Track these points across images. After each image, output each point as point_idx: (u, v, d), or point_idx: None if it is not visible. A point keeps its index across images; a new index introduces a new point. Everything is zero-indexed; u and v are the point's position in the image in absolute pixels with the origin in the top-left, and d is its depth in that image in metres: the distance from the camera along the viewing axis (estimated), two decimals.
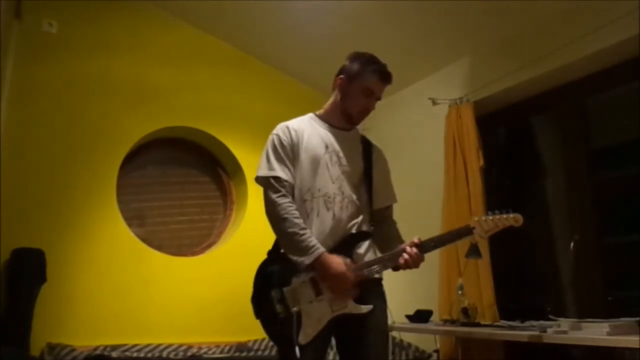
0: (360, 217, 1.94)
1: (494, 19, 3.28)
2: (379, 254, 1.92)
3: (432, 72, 3.96)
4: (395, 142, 4.20)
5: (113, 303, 3.50)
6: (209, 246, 4.18)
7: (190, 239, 4.18)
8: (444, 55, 3.75)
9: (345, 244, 1.86)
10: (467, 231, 1.88)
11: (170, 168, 4.23)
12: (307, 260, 1.74)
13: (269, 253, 1.93)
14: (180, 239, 4.13)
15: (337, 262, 1.76)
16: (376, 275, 1.89)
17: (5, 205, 3.15)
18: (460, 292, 3.06)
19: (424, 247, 1.81)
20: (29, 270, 3.25)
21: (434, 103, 3.58)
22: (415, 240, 1.81)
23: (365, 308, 1.81)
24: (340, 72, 2.00)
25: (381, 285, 1.94)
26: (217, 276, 3.89)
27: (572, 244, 2.75)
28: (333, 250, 1.82)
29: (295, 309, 1.75)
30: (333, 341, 1.90)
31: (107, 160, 3.72)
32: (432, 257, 3.42)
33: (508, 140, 3.88)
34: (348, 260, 1.80)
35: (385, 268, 1.86)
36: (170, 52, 4.09)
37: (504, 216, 1.89)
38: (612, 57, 2.94)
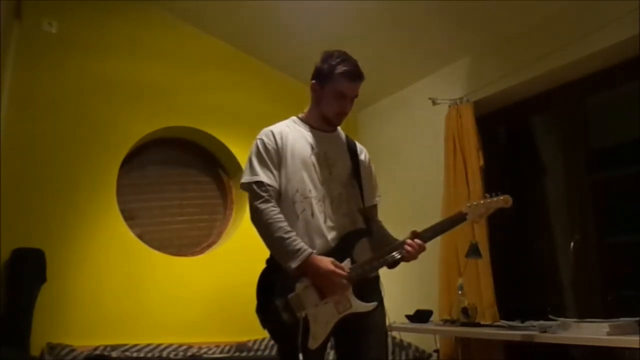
0: (354, 215, 1.94)
1: (494, 19, 3.28)
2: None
3: (432, 72, 3.96)
4: (396, 142, 4.21)
5: (113, 303, 3.50)
6: (209, 246, 4.18)
7: (190, 239, 4.18)
8: (444, 55, 3.75)
9: (343, 243, 1.86)
10: (460, 218, 1.93)
11: (170, 168, 4.23)
12: (293, 264, 1.73)
13: (268, 261, 1.91)
14: (180, 239, 4.13)
15: (325, 261, 1.75)
16: (373, 274, 1.89)
17: (5, 205, 3.15)
18: (460, 292, 3.06)
19: (422, 237, 1.86)
20: (29, 270, 3.25)
21: (434, 103, 3.58)
22: (416, 231, 1.86)
23: (371, 305, 1.81)
24: (312, 76, 2.00)
25: (379, 283, 1.94)
26: (217, 276, 3.89)
27: (572, 244, 2.75)
28: (333, 250, 1.82)
29: (301, 314, 1.73)
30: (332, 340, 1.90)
31: (107, 160, 3.72)
32: (432, 257, 3.44)
33: (508, 140, 3.88)
34: (339, 263, 1.79)
35: (383, 264, 1.86)
36: (170, 52, 4.09)
37: (494, 199, 1.96)
38: (612, 57, 2.94)
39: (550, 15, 3.08)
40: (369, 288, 1.85)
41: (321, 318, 1.75)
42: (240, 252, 3.97)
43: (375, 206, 2.07)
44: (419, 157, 3.97)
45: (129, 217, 3.85)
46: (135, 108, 3.88)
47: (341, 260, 1.80)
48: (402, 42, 3.74)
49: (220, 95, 4.22)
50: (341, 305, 1.78)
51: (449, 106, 3.61)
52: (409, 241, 1.83)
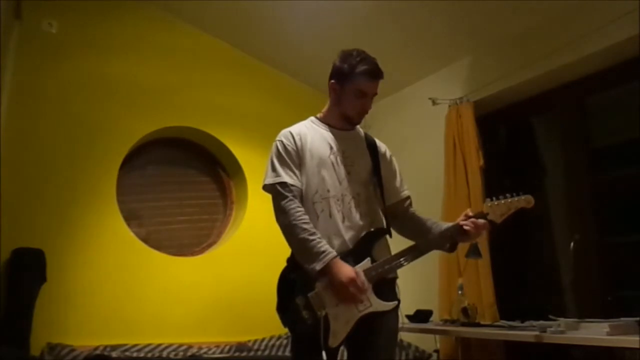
0: (374, 214, 1.94)
1: (494, 19, 3.28)
2: (393, 251, 1.94)
3: (432, 72, 3.96)
4: (396, 141, 4.19)
5: (113, 303, 3.50)
6: (209, 246, 4.18)
7: (190, 239, 4.17)
8: (444, 55, 3.75)
9: (363, 243, 1.86)
10: (481, 217, 1.92)
11: (170, 168, 4.23)
12: (317, 266, 1.73)
13: (288, 260, 1.91)
14: (180, 239, 4.12)
15: (346, 270, 1.75)
16: (391, 275, 1.90)
17: (5, 205, 3.15)
18: (460, 292, 3.06)
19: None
20: (29, 270, 3.24)
21: (434, 103, 3.58)
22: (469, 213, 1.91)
23: (391, 304, 1.82)
24: (331, 76, 2.00)
25: (395, 285, 1.94)
26: (217, 276, 3.89)
27: (572, 244, 2.74)
28: (352, 250, 1.83)
29: (322, 313, 1.74)
30: None
31: (107, 160, 3.72)
32: (432, 257, 3.44)
33: (508, 140, 3.88)
34: (359, 269, 1.79)
35: (402, 265, 1.86)
36: (170, 52, 4.09)
37: (515, 199, 1.93)
38: (612, 57, 2.94)
39: (550, 15, 3.08)
40: (386, 289, 1.86)
41: (341, 317, 1.76)
42: (240, 252, 3.98)
43: (404, 200, 2.06)
44: (419, 157, 3.97)
45: (129, 217, 3.85)
46: (135, 108, 3.87)
47: (360, 260, 1.81)
48: (402, 42, 3.74)
49: (220, 95, 4.22)
50: (361, 304, 1.78)
51: (449, 106, 3.61)
52: (464, 220, 1.88)
